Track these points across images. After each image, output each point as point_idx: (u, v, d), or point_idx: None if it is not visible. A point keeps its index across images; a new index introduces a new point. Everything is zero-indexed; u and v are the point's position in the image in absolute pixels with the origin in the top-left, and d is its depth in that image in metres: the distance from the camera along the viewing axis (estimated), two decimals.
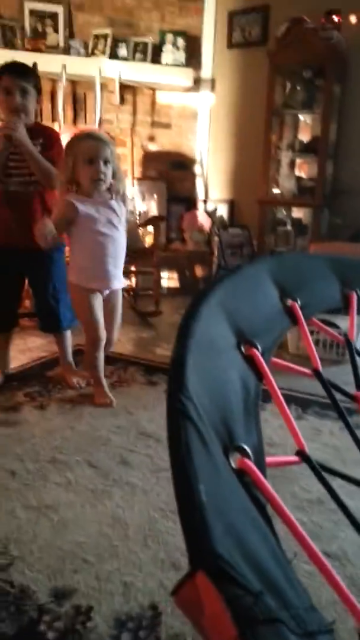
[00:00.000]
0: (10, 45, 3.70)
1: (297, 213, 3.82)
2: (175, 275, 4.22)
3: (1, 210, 2.15)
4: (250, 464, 0.41)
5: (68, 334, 2.40)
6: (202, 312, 0.49)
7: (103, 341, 2.13)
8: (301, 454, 0.48)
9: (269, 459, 0.46)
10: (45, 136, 2.15)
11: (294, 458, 0.49)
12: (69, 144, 2.01)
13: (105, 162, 1.94)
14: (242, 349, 0.55)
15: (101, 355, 2.16)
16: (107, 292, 2.12)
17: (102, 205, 2.01)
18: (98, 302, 2.10)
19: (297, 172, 3.76)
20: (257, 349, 0.56)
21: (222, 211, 4.19)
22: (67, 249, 2.28)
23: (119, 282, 2.14)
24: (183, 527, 0.31)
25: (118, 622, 1.14)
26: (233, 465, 0.40)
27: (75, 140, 2.00)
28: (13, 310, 2.38)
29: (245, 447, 0.43)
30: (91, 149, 1.92)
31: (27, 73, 2.11)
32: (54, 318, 2.31)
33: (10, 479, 1.66)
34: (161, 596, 1.21)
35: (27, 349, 2.76)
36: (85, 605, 1.18)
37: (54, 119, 3.81)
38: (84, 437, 1.92)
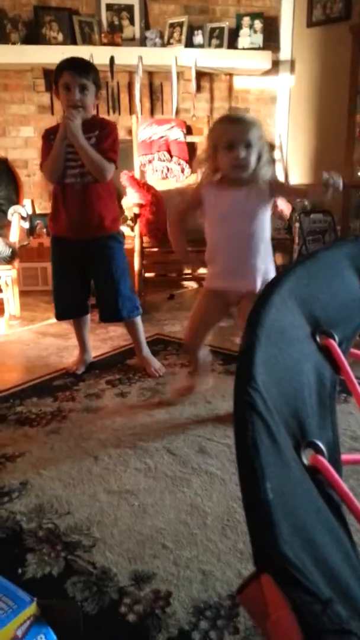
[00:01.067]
0: (88, 41, 3.78)
1: None
2: None
3: (58, 203, 2.19)
4: (324, 461, 0.39)
5: (139, 323, 2.39)
6: (273, 300, 0.47)
7: (191, 349, 2.02)
8: None
9: (346, 456, 0.43)
10: (101, 128, 2.15)
11: None
12: (210, 129, 1.89)
13: (247, 146, 1.71)
14: (318, 339, 0.53)
15: (193, 358, 2.06)
16: (236, 295, 1.87)
17: (233, 194, 1.78)
18: (209, 305, 1.92)
19: None
20: (334, 339, 0.53)
21: None
22: (125, 239, 2.21)
23: (248, 284, 1.81)
24: (248, 526, 0.30)
25: (197, 610, 1.14)
26: (305, 462, 0.38)
27: (216, 124, 1.85)
28: (78, 298, 2.37)
29: (319, 442, 0.40)
30: (229, 132, 1.72)
31: (87, 69, 2.11)
32: (111, 308, 2.29)
33: (94, 463, 1.71)
34: None
35: (108, 337, 2.84)
36: (164, 591, 1.20)
37: (131, 111, 3.86)
38: (163, 425, 1.95)
